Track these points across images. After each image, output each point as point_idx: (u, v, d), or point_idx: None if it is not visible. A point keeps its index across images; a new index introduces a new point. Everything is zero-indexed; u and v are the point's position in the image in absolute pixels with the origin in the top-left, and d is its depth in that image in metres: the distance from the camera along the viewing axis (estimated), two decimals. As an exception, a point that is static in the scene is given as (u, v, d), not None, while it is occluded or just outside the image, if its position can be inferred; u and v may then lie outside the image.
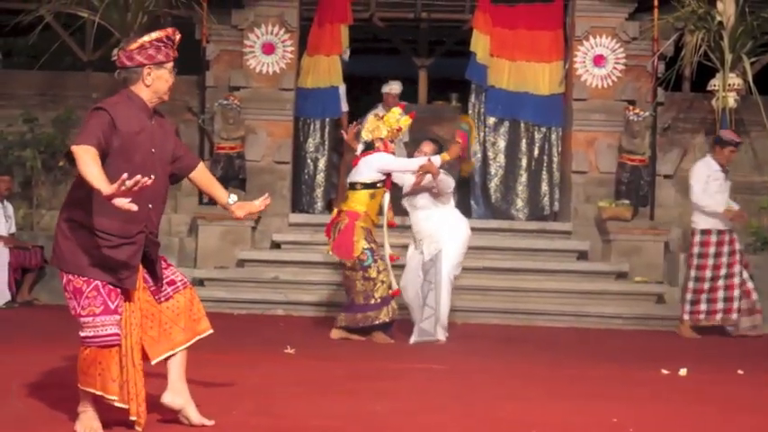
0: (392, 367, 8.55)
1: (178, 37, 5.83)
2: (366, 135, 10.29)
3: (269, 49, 13.91)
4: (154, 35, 5.72)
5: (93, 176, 5.20)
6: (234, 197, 6.21)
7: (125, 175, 5.11)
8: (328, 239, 10.28)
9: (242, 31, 13.96)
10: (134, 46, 5.68)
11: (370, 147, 10.26)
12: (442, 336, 10.20)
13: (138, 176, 5.15)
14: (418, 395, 7.30)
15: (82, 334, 5.58)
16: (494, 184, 14.30)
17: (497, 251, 13.09)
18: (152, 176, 5.54)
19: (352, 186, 10.23)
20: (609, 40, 13.85)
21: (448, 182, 10.18)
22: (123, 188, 5.09)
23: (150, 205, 5.67)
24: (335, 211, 10.51)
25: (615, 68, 13.86)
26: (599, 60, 13.84)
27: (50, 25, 14.02)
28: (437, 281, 10.09)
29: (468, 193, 14.16)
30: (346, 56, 14.53)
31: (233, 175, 13.48)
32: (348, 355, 9.29)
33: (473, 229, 10.64)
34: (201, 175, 6.15)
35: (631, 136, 13.35)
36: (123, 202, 5.12)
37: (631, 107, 13.45)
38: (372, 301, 10.02)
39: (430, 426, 6.21)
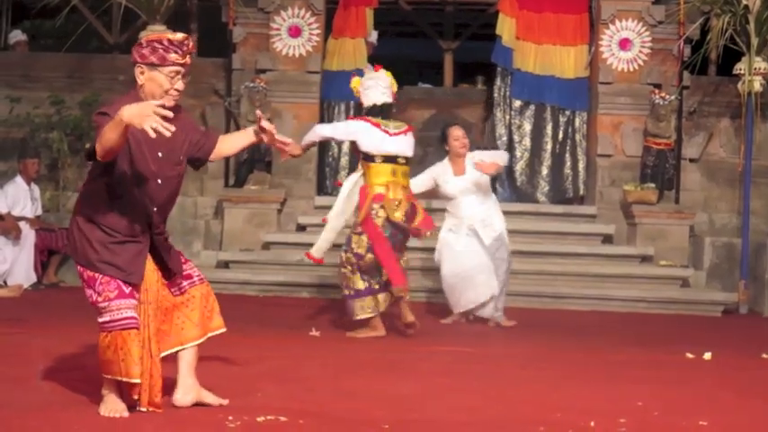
0: (418, 350, 8.57)
1: (191, 45, 5.63)
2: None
3: (295, 31, 13.90)
4: (152, 35, 5.61)
5: (123, 113, 5.12)
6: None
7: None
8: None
9: (268, 14, 13.94)
10: (139, 41, 5.67)
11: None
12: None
13: (164, 101, 5.28)
14: (444, 377, 7.32)
15: (100, 320, 5.58)
16: (519, 167, 14.25)
17: (522, 234, 12.99)
18: (158, 181, 5.57)
19: None
20: (635, 23, 13.78)
21: (499, 153, 10.80)
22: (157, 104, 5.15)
23: (155, 208, 5.64)
24: None
25: (641, 52, 13.78)
26: (625, 44, 13.77)
27: (77, 7, 14.06)
28: (507, 258, 10.35)
29: (493, 177, 14.11)
30: (373, 38, 14.49)
31: (259, 158, 13.48)
32: (373, 337, 9.33)
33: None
34: (223, 144, 5.97)
35: (657, 119, 13.30)
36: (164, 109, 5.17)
37: (657, 91, 13.39)
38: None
39: (456, 408, 6.24)
